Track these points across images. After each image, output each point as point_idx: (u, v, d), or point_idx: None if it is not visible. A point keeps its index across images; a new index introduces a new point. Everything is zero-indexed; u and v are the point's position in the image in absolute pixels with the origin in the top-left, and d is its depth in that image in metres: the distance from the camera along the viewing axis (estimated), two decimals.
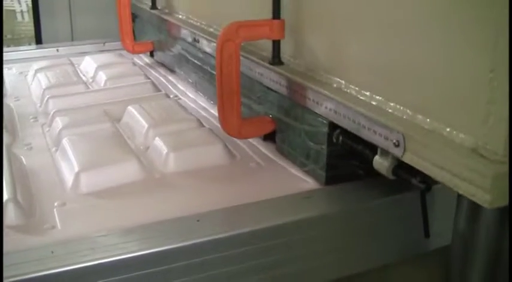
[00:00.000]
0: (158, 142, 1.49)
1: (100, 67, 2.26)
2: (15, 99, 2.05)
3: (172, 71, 2.32)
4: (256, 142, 1.57)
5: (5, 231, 1.16)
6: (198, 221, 1.17)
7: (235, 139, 1.56)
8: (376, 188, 1.28)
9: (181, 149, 1.46)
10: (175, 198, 1.30)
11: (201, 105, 1.91)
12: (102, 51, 2.69)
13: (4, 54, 2.64)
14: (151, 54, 2.59)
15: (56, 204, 1.27)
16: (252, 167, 1.45)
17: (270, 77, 1.46)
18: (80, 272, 1.02)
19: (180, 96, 2.02)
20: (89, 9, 3.15)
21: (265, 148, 1.53)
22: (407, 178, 1.11)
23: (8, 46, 3.13)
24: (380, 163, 1.15)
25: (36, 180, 1.40)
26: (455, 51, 0.96)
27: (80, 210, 1.26)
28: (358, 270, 1.28)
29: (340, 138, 1.26)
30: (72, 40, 3.13)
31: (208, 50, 1.86)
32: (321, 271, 1.23)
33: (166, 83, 2.19)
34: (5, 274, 0.99)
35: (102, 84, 2.14)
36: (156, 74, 2.32)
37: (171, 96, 2.00)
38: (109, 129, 1.64)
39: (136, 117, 1.68)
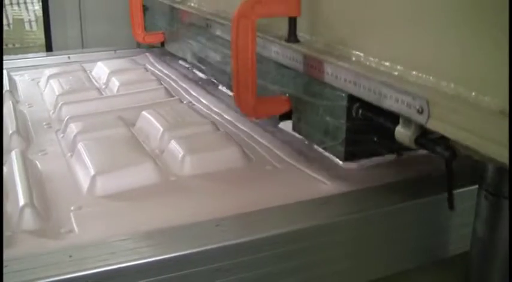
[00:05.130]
0: (174, 145, 1.49)
1: (113, 73, 2.26)
2: (29, 106, 2.05)
3: (182, 58, 2.30)
4: (272, 145, 1.56)
5: (22, 235, 1.16)
6: (217, 225, 1.15)
7: (250, 143, 1.56)
8: (394, 194, 1.27)
9: (198, 152, 1.45)
10: (192, 201, 1.30)
11: (215, 110, 1.91)
12: (113, 58, 2.68)
13: (16, 61, 2.67)
14: (162, 45, 2.58)
15: (72, 208, 1.27)
16: (268, 170, 1.44)
17: (287, 55, 1.44)
18: (98, 277, 1.01)
19: (194, 102, 2.01)
20: (99, 17, 3.14)
21: (281, 151, 1.52)
22: (431, 147, 1.09)
23: (16, 54, 3.13)
24: (402, 133, 1.12)
25: (51, 185, 1.39)
26: (476, 15, 0.94)
27: (97, 214, 1.25)
28: (375, 277, 1.26)
29: (360, 111, 1.24)
30: (83, 48, 3.13)
31: (220, 34, 1.85)
32: (338, 277, 1.22)
33: (179, 89, 2.18)
34: (23, 278, 0.99)
35: (115, 91, 2.14)
36: (169, 80, 2.32)
37: (185, 101, 1.99)
38: (124, 134, 1.63)
39: (151, 122, 1.68)
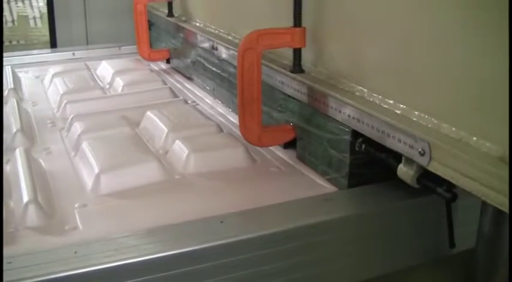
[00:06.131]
0: (178, 145, 1.49)
1: (117, 73, 2.27)
2: (33, 104, 2.05)
3: (189, 78, 2.32)
4: (276, 148, 1.56)
5: (26, 232, 1.16)
6: (221, 222, 1.16)
7: None
8: (397, 191, 1.26)
9: (202, 151, 1.46)
10: (196, 199, 1.30)
11: (219, 111, 1.91)
12: (118, 55, 2.69)
13: (20, 57, 2.67)
14: (168, 62, 2.60)
15: (76, 205, 1.27)
16: (272, 171, 1.45)
17: (291, 85, 1.46)
18: (103, 273, 1.01)
19: (198, 102, 2.02)
20: (104, 13, 3.15)
21: (285, 154, 1.53)
22: (432, 187, 1.10)
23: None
24: (404, 172, 1.14)
25: (56, 182, 1.40)
26: (480, 59, 0.96)
27: (101, 212, 1.25)
28: (378, 273, 1.27)
29: (363, 146, 1.25)
30: (87, 44, 3.14)
31: (226, 57, 1.86)
32: (341, 273, 1.22)
33: (184, 90, 2.19)
34: (28, 274, 0.98)
35: (119, 90, 2.14)
36: (173, 81, 2.32)
37: (189, 102, 2.00)
38: (128, 133, 1.64)
39: (155, 122, 1.68)
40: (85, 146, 1.51)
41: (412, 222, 1.27)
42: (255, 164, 1.48)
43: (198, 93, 2.13)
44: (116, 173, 1.36)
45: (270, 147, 1.56)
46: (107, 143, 1.52)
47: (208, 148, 1.48)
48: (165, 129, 1.61)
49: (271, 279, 1.14)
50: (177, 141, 1.51)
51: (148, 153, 1.47)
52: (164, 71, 2.50)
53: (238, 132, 1.63)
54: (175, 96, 2.05)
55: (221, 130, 1.66)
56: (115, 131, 1.65)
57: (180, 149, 1.48)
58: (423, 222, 1.28)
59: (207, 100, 2.04)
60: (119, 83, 2.17)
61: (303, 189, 1.33)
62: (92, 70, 2.42)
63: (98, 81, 2.27)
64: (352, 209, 1.25)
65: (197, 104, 1.99)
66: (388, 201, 1.25)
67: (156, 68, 2.52)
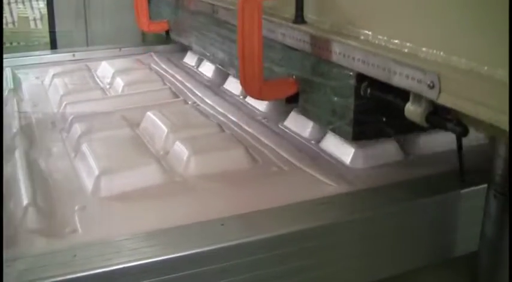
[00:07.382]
0: (179, 146, 1.48)
1: (117, 73, 2.25)
2: (33, 105, 2.04)
3: (187, 47, 2.29)
4: (277, 147, 1.55)
5: (26, 234, 1.15)
6: (222, 225, 1.15)
7: (256, 144, 1.55)
8: (400, 193, 1.26)
9: (203, 153, 1.44)
10: (197, 202, 1.29)
11: (220, 111, 1.90)
12: (118, 56, 2.68)
13: (20, 58, 2.66)
14: (167, 33, 2.59)
15: (76, 208, 1.26)
16: (274, 171, 1.43)
17: (294, 36, 1.43)
18: (103, 276, 1.01)
19: (199, 103, 2.00)
20: (104, 15, 3.14)
21: (287, 153, 1.51)
22: (442, 123, 1.07)
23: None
24: (412, 111, 1.11)
25: (55, 184, 1.39)
26: None
27: (101, 214, 1.24)
28: (382, 276, 1.26)
29: (368, 90, 1.23)
30: (87, 45, 3.13)
31: (227, 19, 1.84)
32: (345, 277, 1.22)
33: (184, 90, 2.17)
34: (27, 278, 0.98)
35: (119, 91, 2.13)
36: (173, 80, 2.31)
37: (190, 102, 1.99)
38: (128, 134, 1.63)
39: (155, 123, 1.67)
40: (85, 147, 1.50)
41: (414, 225, 1.26)
42: (256, 164, 1.47)
43: (198, 93, 2.12)
44: (116, 175, 1.35)
45: (271, 146, 1.55)
46: (107, 144, 1.51)
47: (209, 149, 1.47)
48: (165, 130, 1.60)
49: None
50: (177, 142, 1.50)
51: (149, 155, 1.46)
52: (164, 70, 2.48)
53: (240, 131, 1.63)
54: (176, 96, 2.04)
55: (222, 130, 1.65)
56: (115, 132, 1.63)
57: (180, 150, 1.47)
58: (425, 225, 1.27)
59: (207, 100, 2.03)
60: (119, 83, 2.16)
61: (305, 189, 1.32)
62: (93, 71, 2.40)
63: (98, 81, 2.26)
64: (355, 211, 1.24)
65: (198, 105, 1.97)
66: (390, 203, 1.24)
67: (156, 68, 2.51)
